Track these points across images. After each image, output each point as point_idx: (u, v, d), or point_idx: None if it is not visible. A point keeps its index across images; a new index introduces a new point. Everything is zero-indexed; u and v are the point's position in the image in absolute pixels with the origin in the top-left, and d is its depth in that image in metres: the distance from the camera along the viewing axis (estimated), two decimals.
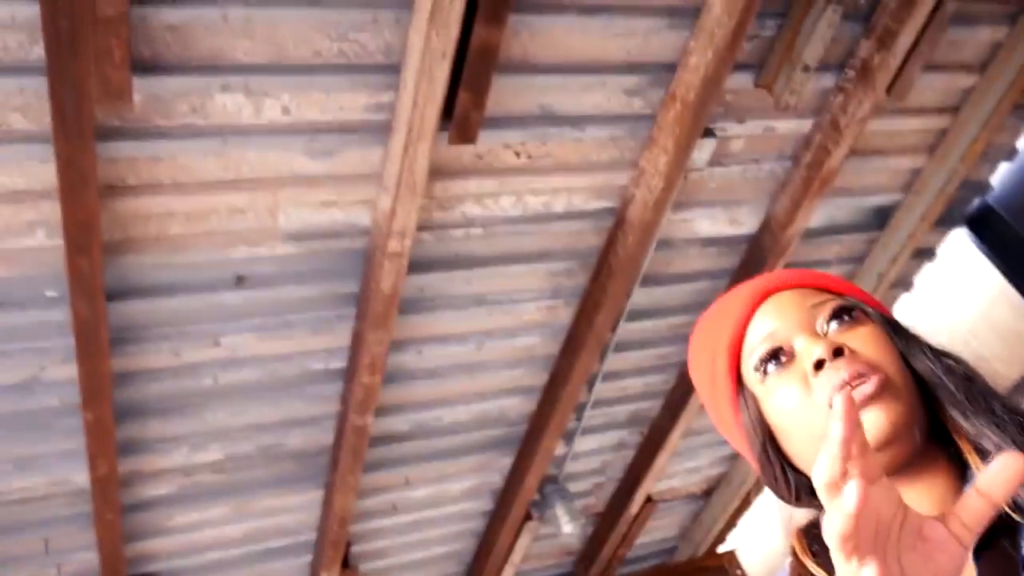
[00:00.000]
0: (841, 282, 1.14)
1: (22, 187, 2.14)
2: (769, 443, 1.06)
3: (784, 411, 1.03)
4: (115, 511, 3.07)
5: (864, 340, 1.02)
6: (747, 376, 1.08)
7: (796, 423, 1.02)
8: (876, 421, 0.94)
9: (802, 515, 1.10)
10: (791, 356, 1.04)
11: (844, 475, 0.75)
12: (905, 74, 2.87)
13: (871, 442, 0.93)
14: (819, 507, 1.06)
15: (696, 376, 1.19)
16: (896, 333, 1.05)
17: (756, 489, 4.91)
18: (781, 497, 1.09)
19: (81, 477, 3.01)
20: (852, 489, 0.72)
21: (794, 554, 1.06)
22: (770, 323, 1.07)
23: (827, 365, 0.99)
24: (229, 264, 2.60)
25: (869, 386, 0.95)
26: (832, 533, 0.74)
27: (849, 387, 0.94)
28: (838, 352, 0.99)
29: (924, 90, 3.13)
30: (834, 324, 1.04)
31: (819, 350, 1.00)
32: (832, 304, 1.06)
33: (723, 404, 1.11)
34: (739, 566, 5.36)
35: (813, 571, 1.02)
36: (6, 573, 3.31)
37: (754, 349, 1.07)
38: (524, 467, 3.86)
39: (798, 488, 1.07)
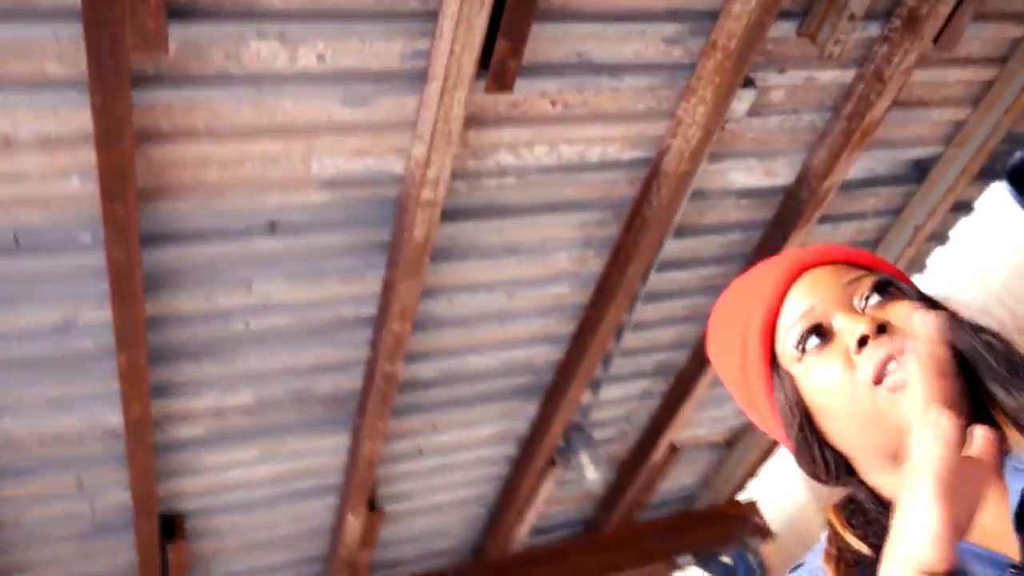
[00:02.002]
0: (873, 257, 1.12)
1: (57, 133, 2.12)
2: (806, 422, 1.04)
3: (825, 389, 1.01)
4: (147, 452, 3.11)
5: (905, 316, 0.99)
6: (782, 355, 1.06)
7: (838, 401, 1.00)
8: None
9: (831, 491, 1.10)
10: (830, 333, 1.02)
11: None
12: (954, 23, 2.78)
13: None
14: (855, 484, 1.05)
15: (720, 355, 1.16)
16: (933, 308, 1.03)
17: (777, 440, 4.91)
18: (817, 478, 1.08)
19: (115, 418, 3.05)
20: None
21: (832, 528, 1.06)
22: (807, 299, 1.04)
23: (871, 341, 0.97)
24: (262, 211, 2.59)
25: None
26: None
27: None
28: (881, 328, 0.97)
29: (972, 40, 3.04)
30: (872, 300, 1.02)
31: (862, 327, 0.98)
32: (869, 280, 1.04)
33: (754, 384, 1.09)
34: (759, 515, 5.40)
35: (852, 543, 1.02)
36: (41, 509, 3.38)
37: (791, 327, 1.04)
38: (550, 414, 3.88)
39: (836, 468, 1.05)
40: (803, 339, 1.02)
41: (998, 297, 3.92)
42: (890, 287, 1.03)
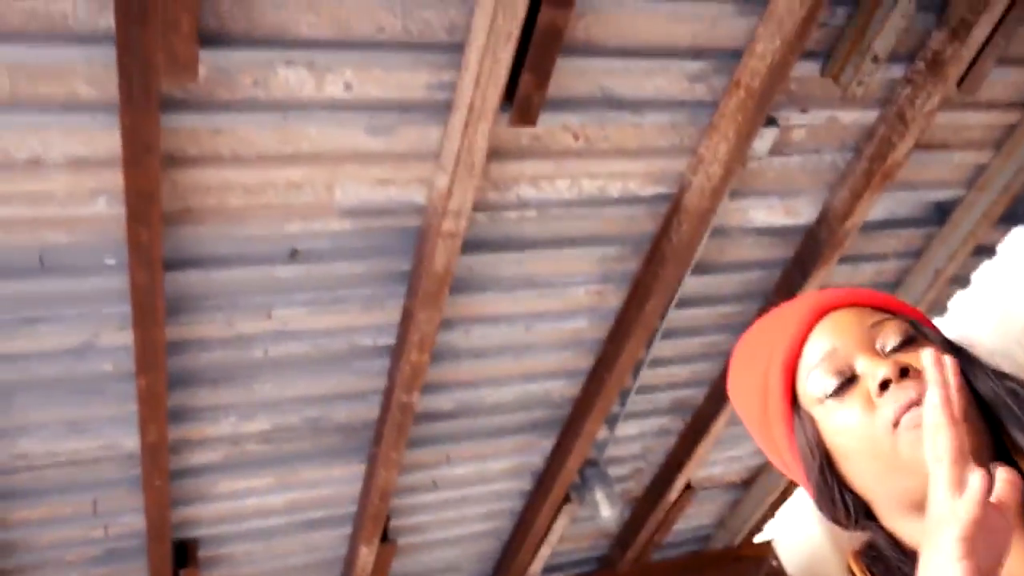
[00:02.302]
0: (898, 302, 1.11)
1: (85, 155, 2.15)
2: (827, 465, 1.03)
3: (846, 432, 1.00)
4: (163, 476, 3.11)
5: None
6: (803, 396, 1.05)
7: (858, 444, 0.99)
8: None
9: (847, 535, 1.08)
10: (852, 376, 1.01)
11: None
12: (978, 67, 2.79)
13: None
14: (875, 529, 1.04)
15: (740, 394, 1.15)
16: (956, 354, 1.02)
17: (795, 481, 4.86)
18: (837, 522, 1.07)
19: (131, 442, 3.06)
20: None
21: (851, 573, 1.04)
22: (829, 341, 1.04)
23: (893, 385, 0.96)
24: (284, 238, 2.61)
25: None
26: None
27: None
28: (904, 372, 0.96)
29: (995, 84, 3.04)
30: (895, 344, 1.01)
31: (884, 370, 0.97)
32: (893, 324, 1.03)
33: (775, 424, 1.08)
34: (776, 556, 5.33)
35: None
36: (54, 531, 3.38)
37: (812, 368, 1.03)
38: (565, 449, 3.86)
39: (856, 512, 1.04)
40: (824, 382, 1.02)
41: (1019, 341, 3.89)
42: (914, 332, 1.03)
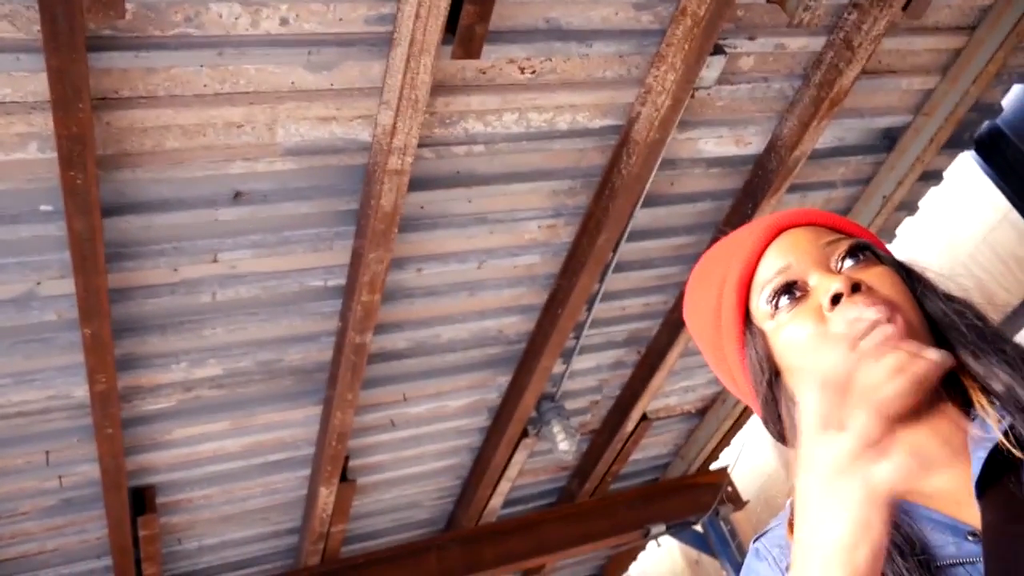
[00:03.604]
0: (852, 224, 1.12)
1: (12, 98, 2.08)
2: (775, 380, 1.04)
3: (796, 345, 1.00)
4: (115, 425, 3.08)
5: (880, 278, 1.00)
6: (756, 311, 1.05)
7: (808, 357, 0.99)
8: (898, 362, 0.91)
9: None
10: (805, 291, 1.01)
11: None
12: None
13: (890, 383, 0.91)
14: None
15: (695, 313, 1.16)
16: (908, 276, 1.03)
17: (749, 409, 4.94)
18: (781, 438, 1.08)
19: (81, 391, 3.01)
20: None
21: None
22: (783, 258, 1.04)
23: (844, 300, 0.96)
24: (227, 179, 2.55)
25: (892, 328, 0.92)
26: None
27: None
28: (855, 288, 0.97)
29: (941, 8, 3.04)
30: (849, 262, 1.02)
31: (837, 284, 0.97)
32: (847, 243, 1.04)
33: (727, 340, 1.08)
34: (731, 483, 5.44)
35: None
36: (9, 484, 3.34)
37: (767, 283, 1.04)
38: (522, 385, 3.88)
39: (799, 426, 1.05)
40: (777, 295, 1.02)
41: (965, 266, 3.95)
42: (867, 251, 1.03)
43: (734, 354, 1.08)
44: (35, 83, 2.04)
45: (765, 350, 1.04)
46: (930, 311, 0.99)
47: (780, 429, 1.07)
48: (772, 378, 1.04)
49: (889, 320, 0.93)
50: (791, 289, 1.02)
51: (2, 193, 2.31)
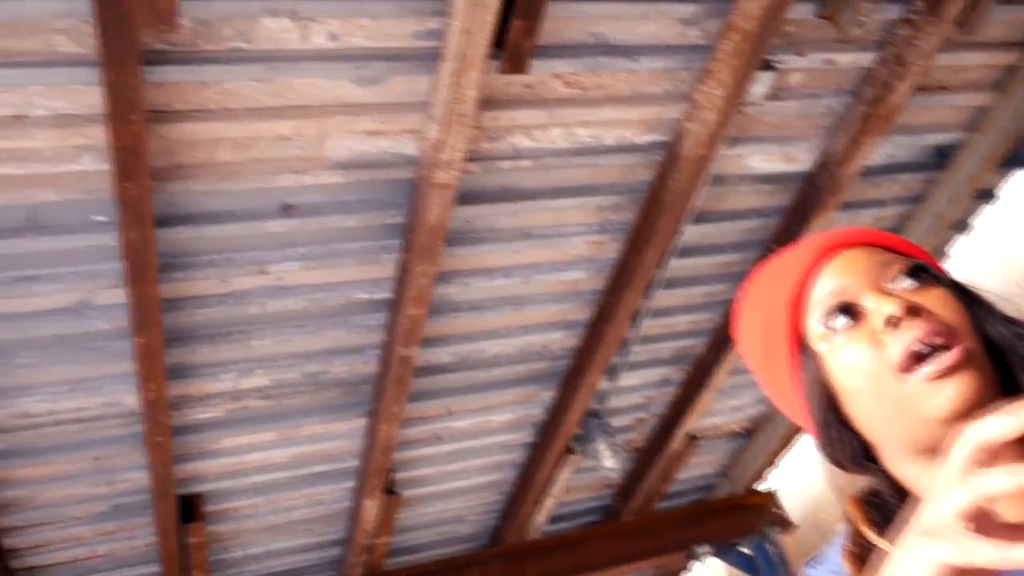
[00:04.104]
0: (908, 243, 1.08)
1: (68, 111, 2.13)
2: (830, 404, 1.02)
3: (851, 370, 0.98)
4: (164, 433, 3.13)
5: (938, 301, 0.96)
6: (809, 333, 1.03)
7: (864, 383, 0.97)
8: (960, 391, 0.90)
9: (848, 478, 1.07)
10: (860, 314, 0.99)
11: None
12: (978, 6, 2.73)
13: (950, 414, 0.89)
14: (875, 472, 1.02)
15: (747, 334, 1.14)
16: (966, 297, 1.00)
17: (798, 430, 4.87)
18: (836, 462, 1.05)
19: (132, 399, 3.07)
20: None
21: (851, 522, 1.03)
22: (838, 279, 1.01)
23: (902, 323, 0.94)
24: (276, 192, 2.59)
25: (950, 358, 0.90)
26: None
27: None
28: (912, 310, 0.95)
29: (995, 23, 2.98)
30: (906, 284, 0.99)
31: (892, 307, 0.94)
32: (903, 263, 1.01)
33: (780, 363, 1.06)
34: (779, 505, 5.36)
35: (872, 540, 0.99)
36: (61, 489, 3.41)
37: (819, 305, 1.02)
38: (567, 401, 3.87)
39: (858, 453, 1.02)
40: (831, 317, 1.00)
41: (1020, 285, 3.86)
42: (925, 272, 1.00)
43: (787, 377, 1.06)
44: (90, 96, 2.10)
45: (820, 373, 1.02)
46: (991, 335, 0.96)
47: (835, 453, 1.04)
48: (827, 401, 1.02)
49: (947, 346, 0.91)
50: (846, 310, 1.00)
51: (58, 204, 2.37)
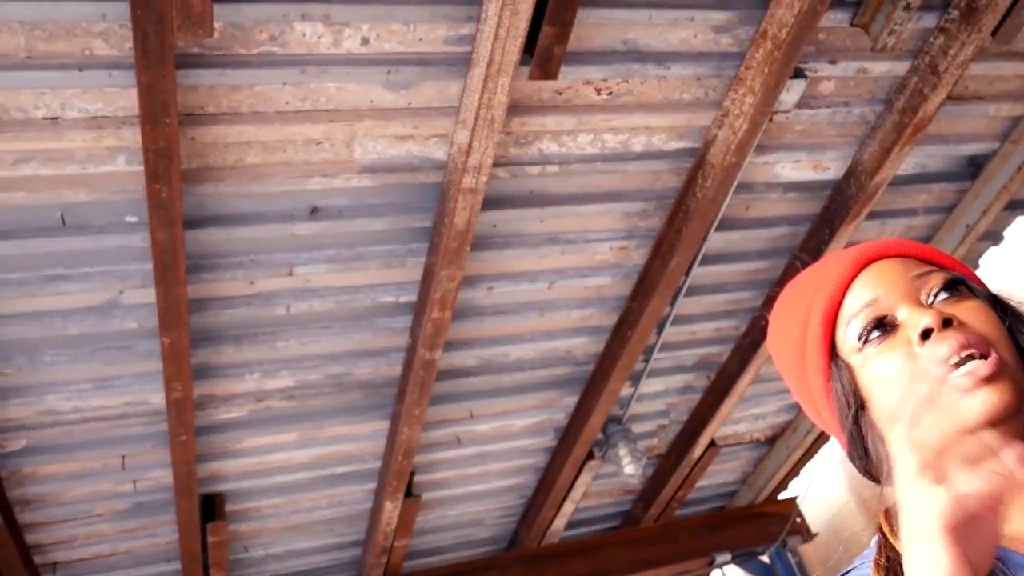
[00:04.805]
0: (944, 255, 1.08)
1: (103, 113, 2.14)
2: (862, 415, 1.01)
3: (884, 381, 0.97)
4: (189, 432, 3.14)
5: (972, 313, 0.96)
6: (842, 345, 1.02)
7: (896, 394, 0.96)
8: (989, 403, 0.89)
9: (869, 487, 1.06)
10: (893, 325, 0.98)
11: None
12: (1014, 16, 2.69)
13: (981, 422, 0.88)
14: None
15: (779, 344, 1.13)
16: (1003, 310, 0.99)
17: (821, 439, 4.84)
18: (868, 474, 1.05)
19: (157, 398, 3.09)
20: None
21: (882, 534, 1.02)
22: (872, 290, 1.01)
23: (935, 335, 0.93)
24: (304, 195, 2.60)
25: (984, 368, 0.89)
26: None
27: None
28: (947, 323, 0.94)
29: None
30: (940, 296, 0.99)
31: (927, 319, 0.94)
32: (938, 275, 1.01)
33: (812, 372, 1.06)
34: (799, 514, 5.33)
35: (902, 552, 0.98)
36: (85, 486, 3.44)
37: (854, 316, 1.01)
38: (589, 406, 3.86)
39: (888, 463, 1.02)
40: (866, 329, 0.99)
41: None
42: (960, 284, 1.00)
43: (819, 387, 1.06)
44: (125, 98, 2.11)
45: (851, 384, 1.01)
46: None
47: (866, 464, 1.04)
48: (858, 412, 1.01)
49: (983, 355, 0.90)
50: (879, 323, 0.99)
51: (91, 204, 2.39)
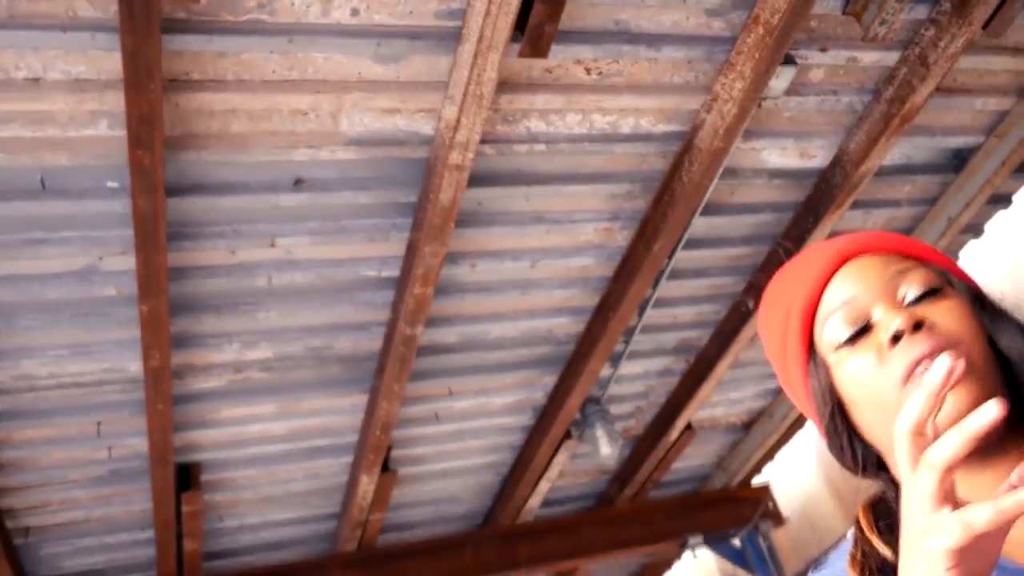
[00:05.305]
0: (927, 248, 1.07)
1: (86, 76, 2.11)
2: (838, 412, 1.01)
3: (856, 382, 0.97)
4: (166, 401, 3.12)
5: (947, 313, 0.95)
6: (819, 342, 1.02)
7: (867, 395, 0.96)
8: (956, 403, 0.89)
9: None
10: (868, 325, 0.98)
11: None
12: (1005, 9, 2.70)
13: (949, 422, 0.88)
14: (885, 480, 1.02)
15: (765, 331, 1.14)
16: (982, 307, 0.99)
17: (796, 425, 4.88)
18: (846, 467, 1.05)
19: (135, 366, 3.07)
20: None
21: (859, 528, 1.02)
22: (849, 288, 1.01)
23: (905, 338, 0.93)
24: (289, 166, 2.57)
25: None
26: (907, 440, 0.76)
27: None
28: (917, 325, 0.93)
29: (1021, 28, 2.95)
30: (916, 294, 0.98)
31: (898, 322, 0.94)
32: (917, 274, 0.99)
33: (792, 367, 1.06)
34: (772, 499, 5.38)
35: (879, 548, 0.99)
36: (60, 452, 3.41)
37: (829, 315, 1.01)
38: (568, 386, 3.86)
39: (864, 460, 1.02)
40: (839, 330, 1.00)
41: None
42: (940, 282, 0.99)
43: (799, 381, 1.06)
44: (109, 62, 2.08)
45: (828, 381, 1.01)
46: (1002, 347, 0.95)
47: (844, 459, 1.04)
48: (835, 410, 1.01)
49: (940, 352, 0.90)
50: (854, 323, 0.99)
51: (72, 168, 2.36)
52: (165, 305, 2.72)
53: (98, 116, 2.22)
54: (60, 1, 1.94)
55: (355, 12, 2.18)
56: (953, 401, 0.89)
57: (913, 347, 0.92)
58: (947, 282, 1.00)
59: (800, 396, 1.08)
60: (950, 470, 0.73)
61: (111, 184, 2.42)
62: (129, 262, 2.62)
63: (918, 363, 0.91)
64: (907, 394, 0.92)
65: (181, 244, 2.67)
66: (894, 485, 1.01)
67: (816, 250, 1.09)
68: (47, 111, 2.17)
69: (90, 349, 2.98)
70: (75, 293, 2.74)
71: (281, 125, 2.43)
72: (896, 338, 0.93)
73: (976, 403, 0.88)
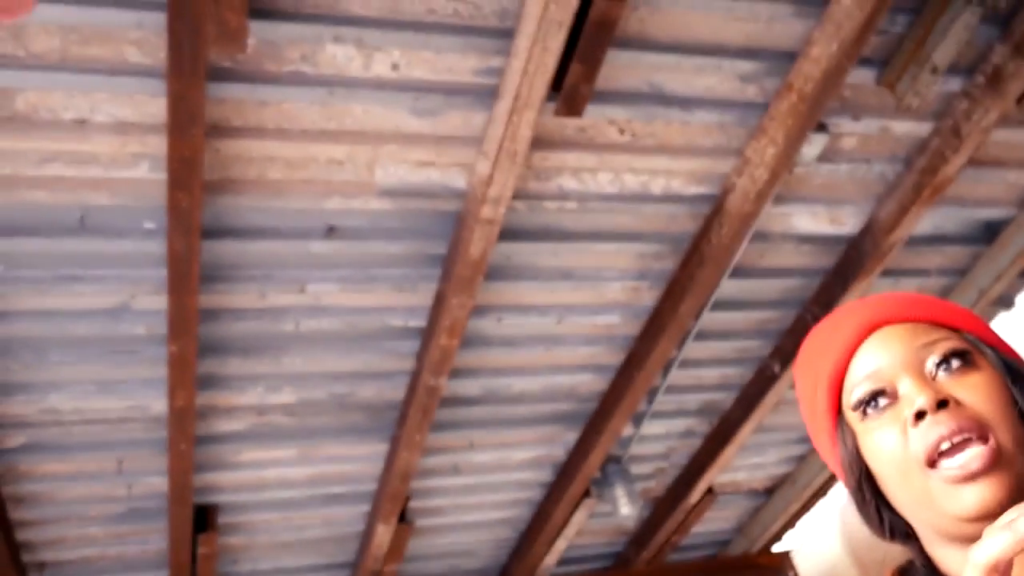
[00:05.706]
0: (959, 312, 1.04)
1: (131, 119, 2.16)
2: (865, 480, 1.00)
3: (880, 454, 0.96)
4: (188, 441, 3.14)
5: (974, 389, 0.93)
6: (846, 411, 1.02)
7: (892, 469, 0.95)
8: (979, 499, 0.87)
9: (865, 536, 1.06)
10: (894, 397, 0.97)
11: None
12: None
13: (974, 516, 0.87)
14: (914, 549, 1.01)
15: (800, 391, 1.14)
16: (1014, 380, 0.96)
17: (819, 493, 4.81)
18: (875, 533, 1.04)
19: (159, 405, 3.08)
20: None
21: None
22: (875, 360, 0.99)
23: (928, 417, 0.92)
24: (322, 214, 2.61)
25: (977, 461, 0.87)
26: None
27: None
28: (942, 403, 0.92)
29: None
30: (944, 368, 0.96)
31: (921, 400, 0.92)
32: (945, 344, 0.97)
33: (822, 433, 1.06)
34: (793, 567, 5.27)
35: None
36: (80, 487, 3.43)
37: (856, 386, 1.00)
38: (589, 444, 3.84)
39: (892, 527, 1.01)
40: (863, 403, 0.98)
41: None
42: (968, 354, 0.96)
43: (827, 447, 1.06)
44: (153, 106, 2.13)
45: (855, 450, 1.00)
46: None
47: (872, 525, 1.03)
48: (862, 479, 1.00)
49: (981, 437, 0.88)
50: (879, 396, 0.98)
51: (111, 208, 2.40)
52: (194, 346, 2.75)
53: (140, 158, 2.27)
54: (111, 46, 2.00)
55: (395, 67, 2.23)
56: (980, 491, 0.87)
57: (935, 428, 0.90)
58: (978, 351, 0.98)
59: (831, 460, 1.08)
60: (997, 570, 0.72)
61: (148, 225, 2.47)
62: (161, 302, 2.65)
63: (939, 444, 0.90)
64: (931, 478, 0.90)
65: (213, 286, 2.70)
66: (922, 555, 0.99)
67: (846, 313, 1.08)
68: (91, 152, 2.22)
69: (116, 386, 3.00)
70: (105, 330, 2.77)
71: (317, 174, 2.47)
72: (920, 415, 0.92)
73: (1007, 492, 0.87)
